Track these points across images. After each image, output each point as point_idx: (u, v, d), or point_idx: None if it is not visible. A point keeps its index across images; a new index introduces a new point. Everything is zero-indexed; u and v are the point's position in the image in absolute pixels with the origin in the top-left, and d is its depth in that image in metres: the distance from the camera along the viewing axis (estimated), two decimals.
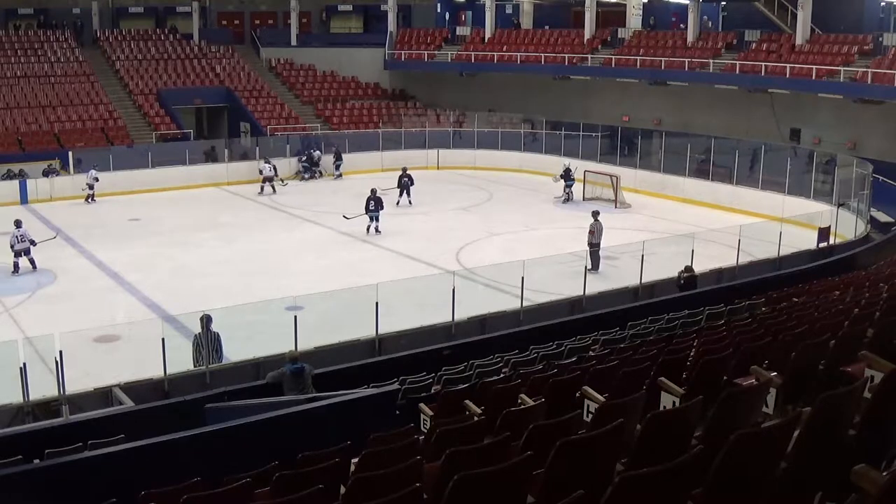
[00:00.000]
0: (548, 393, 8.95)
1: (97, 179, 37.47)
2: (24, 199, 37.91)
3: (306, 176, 42.22)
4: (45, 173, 38.78)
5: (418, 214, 31.79)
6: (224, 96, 50.83)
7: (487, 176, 42.51)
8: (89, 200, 37.17)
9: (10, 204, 37.22)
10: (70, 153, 40.69)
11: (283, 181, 40.16)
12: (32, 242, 26.73)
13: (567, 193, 36.68)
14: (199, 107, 52.10)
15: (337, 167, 42.97)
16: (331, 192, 39.55)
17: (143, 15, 59.11)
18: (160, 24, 58.43)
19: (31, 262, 26.62)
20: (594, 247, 25.32)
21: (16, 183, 38.43)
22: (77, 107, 46.23)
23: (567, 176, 36.76)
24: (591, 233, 25.55)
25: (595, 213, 26.25)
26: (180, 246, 29.36)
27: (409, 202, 34.98)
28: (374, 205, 30.71)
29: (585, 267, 22.55)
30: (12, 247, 26.43)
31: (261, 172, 39.28)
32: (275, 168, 39.51)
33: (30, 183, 38.23)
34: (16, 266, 26.38)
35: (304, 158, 42.49)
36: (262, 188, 38.88)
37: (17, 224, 26.93)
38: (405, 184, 35.08)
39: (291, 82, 53.87)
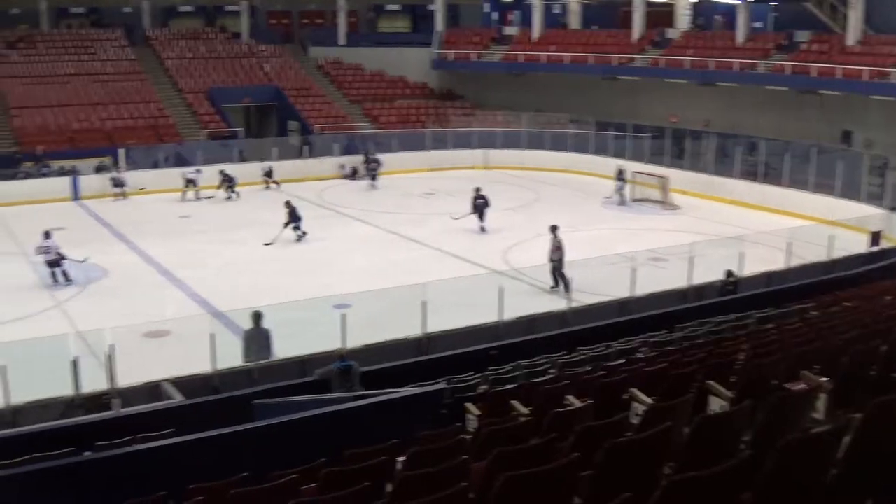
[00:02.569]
0: (595, 394, 8.94)
1: (199, 171, 38.31)
2: (76, 196, 38.46)
3: (372, 176, 41.71)
4: (98, 170, 39.23)
5: (466, 214, 31.66)
6: (273, 95, 51.13)
7: (535, 176, 42.45)
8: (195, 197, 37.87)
9: (62, 200, 37.81)
10: (121, 150, 41.20)
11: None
12: (61, 256, 25.58)
13: (620, 195, 36.55)
14: (248, 105, 52.45)
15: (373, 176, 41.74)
16: (379, 191, 39.71)
17: (193, 14, 59.80)
18: (210, 23, 59.02)
19: (64, 273, 25.46)
20: (556, 262, 23.77)
21: (68, 179, 38.99)
22: (128, 105, 46.75)
23: (619, 177, 36.66)
24: (558, 248, 23.90)
25: (554, 228, 24.31)
26: (229, 243, 29.60)
27: (483, 228, 31.23)
28: (483, 203, 30.83)
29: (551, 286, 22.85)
30: (38, 255, 25.62)
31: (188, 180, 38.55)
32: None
33: (82, 179, 38.76)
34: (53, 276, 25.45)
35: (366, 160, 42.26)
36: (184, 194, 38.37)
37: (47, 235, 25.95)
38: (479, 206, 31.35)
39: (339, 81, 54.09)
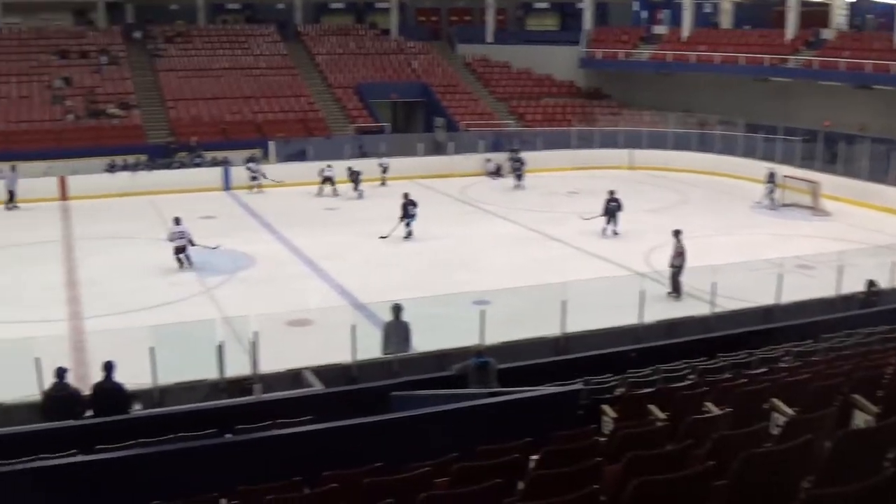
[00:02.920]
0: (735, 402, 8.76)
1: (331, 167, 38.90)
2: (227, 186, 39.62)
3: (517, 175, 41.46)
4: (247, 161, 40.27)
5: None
6: (420, 91, 51.62)
7: (681, 177, 41.83)
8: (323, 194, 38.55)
9: (214, 189, 39.01)
10: (271, 143, 42.27)
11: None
12: (191, 242, 26.50)
13: (771, 199, 35.73)
14: (396, 101, 53.10)
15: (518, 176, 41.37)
16: (524, 189, 39.70)
17: (343, 10, 60.89)
18: (360, 20, 59.97)
19: (188, 258, 26.38)
20: (677, 269, 23.35)
21: (219, 170, 40.19)
22: (279, 98, 47.85)
23: (770, 180, 35.84)
24: (679, 254, 23.43)
25: (677, 233, 23.84)
26: (373, 236, 30.00)
27: (615, 231, 30.53)
28: (615, 206, 30.52)
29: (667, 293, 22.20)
30: (170, 241, 26.46)
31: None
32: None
33: (233, 170, 39.88)
34: (180, 262, 26.38)
35: (511, 158, 42.33)
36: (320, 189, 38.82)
37: (176, 221, 26.77)
38: (612, 209, 30.59)
39: (486, 79, 54.26)
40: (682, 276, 23.04)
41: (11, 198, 36.06)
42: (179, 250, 26.34)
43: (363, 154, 42.93)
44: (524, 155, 42.21)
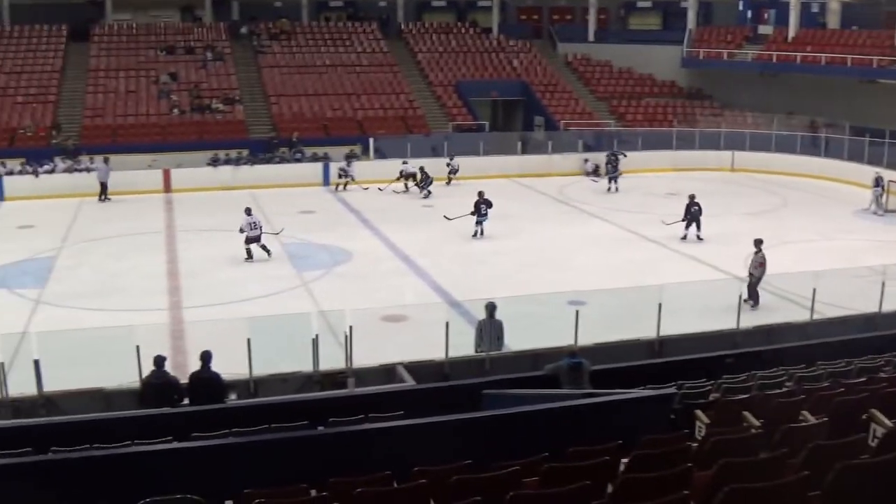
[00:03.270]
0: (832, 412, 8.59)
1: (405, 162, 39.07)
2: (326, 181, 40.08)
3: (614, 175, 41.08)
4: (346, 158, 40.64)
5: (708, 217, 31.01)
6: (520, 90, 51.53)
7: (783, 181, 41.01)
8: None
9: (313, 185, 39.51)
10: (371, 139, 42.63)
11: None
12: (262, 231, 27.23)
13: (878, 204, 34.85)
14: (495, 99, 53.11)
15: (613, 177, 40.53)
16: (621, 190, 39.36)
17: (445, 9, 61.16)
18: (461, 18, 60.14)
19: (264, 248, 27.01)
20: (756, 279, 22.25)
21: (319, 165, 40.67)
22: (380, 95, 48.22)
23: (877, 184, 34.95)
24: (761, 265, 22.40)
25: (758, 243, 22.76)
26: (468, 234, 30.05)
27: (698, 236, 29.85)
28: (697, 210, 30.04)
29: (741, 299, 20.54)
30: (242, 232, 26.91)
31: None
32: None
33: (332, 166, 40.31)
34: (248, 253, 26.89)
35: (609, 160, 41.99)
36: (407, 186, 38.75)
37: (248, 212, 27.33)
38: (694, 213, 29.90)
39: (587, 78, 53.95)
40: (759, 286, 22.18)
41: (103, 190, 37.02)
42: (251, 241, 26.92)
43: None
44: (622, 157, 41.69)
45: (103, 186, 36.92)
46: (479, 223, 30.11)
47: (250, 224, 26.99)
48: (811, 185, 40.26)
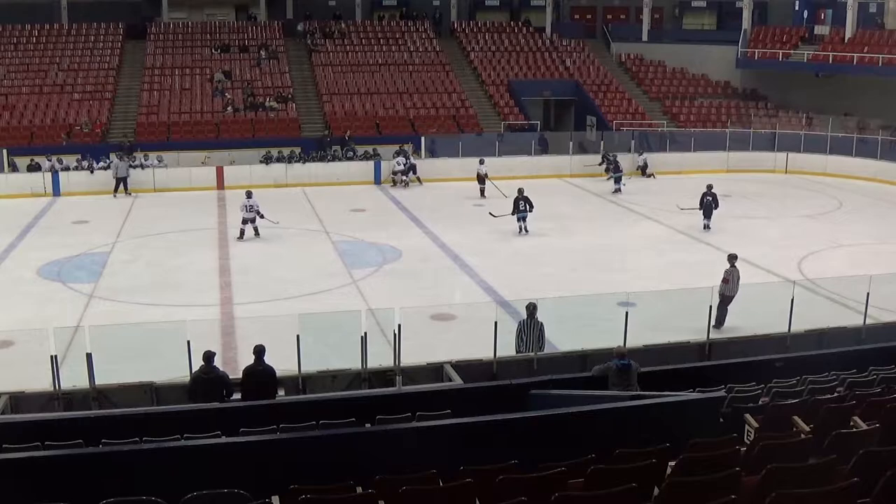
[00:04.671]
0: (883, 418, 8.47)
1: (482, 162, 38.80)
2: (377, 179, 40.22)
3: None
4: (395, 155, 40.71)
5: (761, 219, 30.75)
6: (572, 89, 51.34)
7: (838, 183, 40.49)
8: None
9: (365, 183, 39.70)
10: (423, 138, 42.72)
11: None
12: (260, 214, 29.41)
13: None
14: (548, 99, 52.98)
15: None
16: (671, 191, 39.08)
17: (498, 8, 61.10)
18: (514, 17, 60.02)
19: (255, 230, 29.38)
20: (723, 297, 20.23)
21: (371, 163, 40.81)
22: (431, 94, 48.31)
23: None
24: (725, 281, 20.44)
25: (733, 258, 20.89)
26: (518, 232, 29.99)
27: (706, 225, 30.47)
28: (710, 201, 30.45)
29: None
30: (241, 212, 29.45)
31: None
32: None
33: (383, 164, 40.44)
34: (241, 233, 29.24)
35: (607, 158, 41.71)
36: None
37: (248, 195, 29.74)
38: (708, 203, 30.51)
39: (640, 78, 53.64)
40: (728, 305, 20.25)
41: (118, 185, 37.32)
42: (246, 221, 29.30)
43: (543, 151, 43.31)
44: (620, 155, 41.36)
45: (118, 182, 37.23)
46: (520, 220, 30.26)
47: (246, 206, 29.33)
48: (868, 188, 39.71)
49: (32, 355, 16.19)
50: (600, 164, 40.54)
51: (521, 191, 30.55)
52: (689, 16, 62.27)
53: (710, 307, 17.55)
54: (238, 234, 29.29)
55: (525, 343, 16.49)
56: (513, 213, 30.26)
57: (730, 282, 20.30)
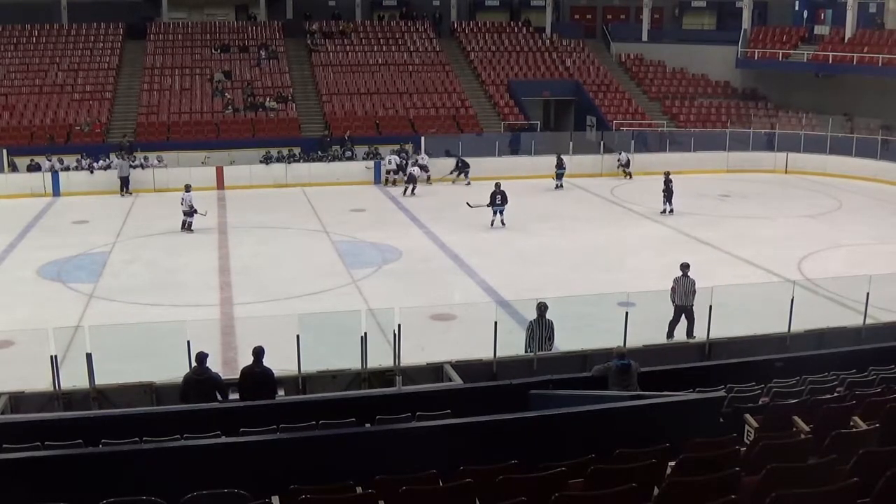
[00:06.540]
0: (883, 418, 8.47)
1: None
2: (377, 179, 40.23)
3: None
4: (397, 153, 40.72)
5: (761, 219, 30.72)
6: (572, 89, 51.35)
7: (838, 183, 40.49)
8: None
9: (364, 183, 39.72)
10: (422, 138, 42.72)
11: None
12: (192, 209, 30.46)
13: None
14: (548, 99, 52.99)
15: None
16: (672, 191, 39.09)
17: (498, 8, 61.10)
18: (514, 17, 60.02)
19: (188, 224, 30.53)
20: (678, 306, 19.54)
21: (371, 163, 40.80)
22: (431, 94, 48.30)
23: None
24: (673, 290, 19.72)
25: (684, 267, 19.92)
26: (520, 234, 30.04)
27: (670, 210, 33.27)
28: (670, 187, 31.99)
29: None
30: (182, 206, 30.56)
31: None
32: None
33: (383, 164, 40.43)
34: (183, 224, 30.47)
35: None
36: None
37: (187, 188, 31.07)
38: (671, 190, 33.42)
39: (640, 78, 53.66)
40: (683, 315, 19.37)
41: (125, 185, 37.52)
42: (186, 214, 30.45)
43: (514, 152, 43.13)
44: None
45: (123, 181, 37.46)
46: (495, 213, 30.99)
47: (181, 199, 30.60)
48: (868, 188, 39.71)
49: (32, 355, 16.18)
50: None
51: (497, 185, 31.21)
52: (688, 16, 62.28)
53: (710, 307, 17.53)
54: (182, 227, 30.46)
55: (536, 341, 16.50)
56: (489, 206, 30.95)
57: (676, 291, 19.59)
